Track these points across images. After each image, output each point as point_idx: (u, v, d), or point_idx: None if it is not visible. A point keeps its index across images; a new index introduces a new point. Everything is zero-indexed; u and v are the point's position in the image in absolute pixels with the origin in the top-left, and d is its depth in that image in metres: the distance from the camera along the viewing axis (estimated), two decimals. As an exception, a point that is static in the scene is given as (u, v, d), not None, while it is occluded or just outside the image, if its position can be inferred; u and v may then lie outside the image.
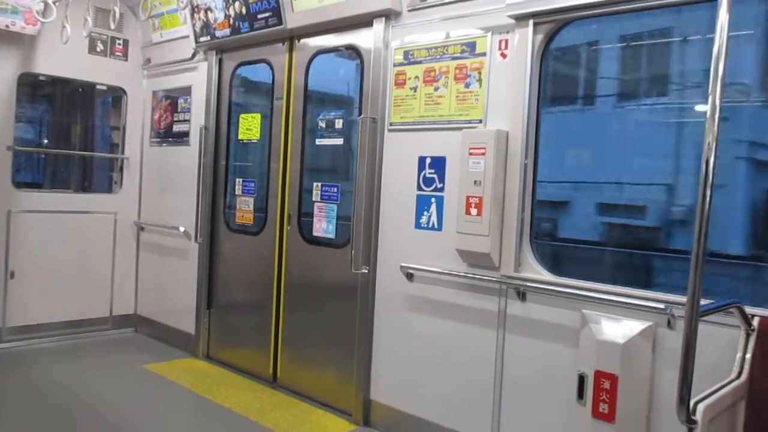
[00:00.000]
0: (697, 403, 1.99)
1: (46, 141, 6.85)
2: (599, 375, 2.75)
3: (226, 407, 4.24)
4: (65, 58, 5.43)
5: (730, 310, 2.44)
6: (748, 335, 2.47)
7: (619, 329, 2.80)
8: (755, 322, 2.48)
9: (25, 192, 5.46)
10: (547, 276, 3.22)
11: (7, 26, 4.98)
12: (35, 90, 6.34)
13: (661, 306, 2.72)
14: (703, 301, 1.94)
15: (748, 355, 2.43)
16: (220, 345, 5.23)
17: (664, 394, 2.74)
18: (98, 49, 5.70)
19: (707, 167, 1.89)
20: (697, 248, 1.88)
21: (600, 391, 2.74)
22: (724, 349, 2.53)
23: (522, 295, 3.27)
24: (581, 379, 2.82)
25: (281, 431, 3.90)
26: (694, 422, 1.95)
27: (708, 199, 1.89)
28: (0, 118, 5.14)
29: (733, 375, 2.40)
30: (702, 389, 2.12)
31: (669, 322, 2.73)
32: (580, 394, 2.82)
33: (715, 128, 1.89)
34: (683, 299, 2.40)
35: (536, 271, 3.25)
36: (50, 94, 6.64)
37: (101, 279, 5.85)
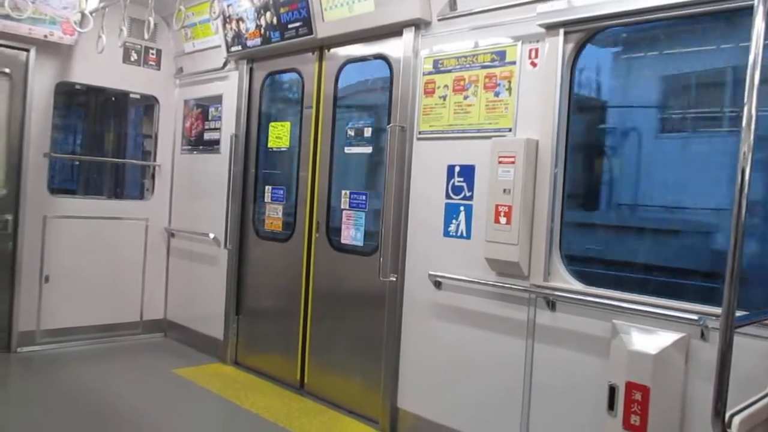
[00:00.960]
0: (732, 416, 1.96)
1: (80, 148, 6.99)
2: (630, 386, 2.72)
3: (254, 413, 4.27)
4: (100, 67, 5.56)
5: (767, 321, 2.40)
6: (784, 348, 2.43)
7: (651, 340, 2.76)
8: (792, 334, 2.43)
9: (60, 198, 5.58)
10: (577, 285, 3.19)
11: (45, 36, 5.12)
12: (71, 98, 6.49)
13: (695, 317, 2.68)
14: (738, 313, 1.92)
15: (785, 368, 2.38)
16: (248, 351, 5.27)
17: (697, 407, 2.69)
18: (132, 59, 5.82)
19: (742, 177, 1.86)
20: (733, 259, 1.86)
21: (631, 402, 2.71)
22: (759, 361, 2.49)
23: (551, 305, 3.25)
24: (612, 390, 2.79)
25: (308, 437, 3.92)
26: (730, 435, 1.92)
27: (743, 209, 1.87)
28: (38, 125, 5.28)
29: (769, 388, 2.36)
30: (737, 402, 2.09)
31: (702, 334, 2.69)
32: (611, 405, 2.79)
33: (751, 138, 1.87)
34: (717, 310, 2.37)
35: (566, 281, 3.23)
36: (85, 103, 6.79)
37: (132, 284, 5.95)
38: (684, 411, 2.74)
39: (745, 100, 1.89)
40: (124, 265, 5.88)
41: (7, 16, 4.73)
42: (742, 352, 2.38)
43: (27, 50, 5.20)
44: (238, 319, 5.35)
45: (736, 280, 1.86)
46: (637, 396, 2.70)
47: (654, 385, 2.68)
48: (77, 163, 6.86)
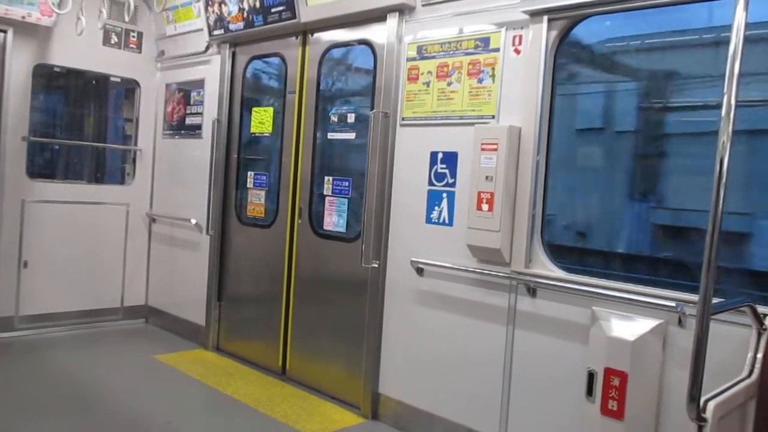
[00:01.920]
0: (707, 401, 1.99)
1: (59, 132, 6.89)
2: (609, 372, 2.75)
3: (236, 398, 4.27)
4: (80, 49, 5.47)
5: (742, 308, 2.43)
6: (759, 334, 2.46)
7: (629, 327, 2.79)
8: (767, 321, 2.47)
9: (39, 182, 5.50)
10: (558, 272, 3.22)
11: (23, 17, 5.02)
12: (50, 81, 6.38)
13: (672, 304, 2.72)
14: (714, 300, 1.94)
15: (760, 355, 2.42)
16: (230, 337, 5.26)
17: (674, 392, 2.73)
18: (112, 41, 5.73)
19: (721, 166, 1.88)
20: (710, 246, 1.88)
21: (609, 388, 2.74)
22: (735, 347, 2.53)
23: (532, 291, 3.27)
24: (591, 376, 2.82)
25: (290, 423, 3.92)
26: (705, 420, 1.95)
27: (722, 198, 1.89)
28: (15, 108, 5.19)
29: (744, 374, 2.39)
30: (712, 388, 2.12)
31: (680, 320, 2.73)
32: (590, 391, 2.82)
33: (730, 128, 1.89)
34: (695, 297, 2.39)
35: (547, 268, 3.25)
36: (64, 86, 6.68)
37: (113, 270, 5.90)
38: (661, 396, 2.78)
39: (725, 90, 1.90)
40: (104, 251, 5.82)
41: (-17, -4, 4.64)
42: (718, 339, 2.42)
43: (4, 31, 5.09)
44: (220, 305, 5.33)
45: (713, 267, 1.88)
46: (615, 382, 2.73)
47: (632, 371, 2.71)
48: (56, 147, 6.76)
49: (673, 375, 2.75)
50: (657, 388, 2.77)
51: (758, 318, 2.44)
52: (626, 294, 2.88)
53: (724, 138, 1.88)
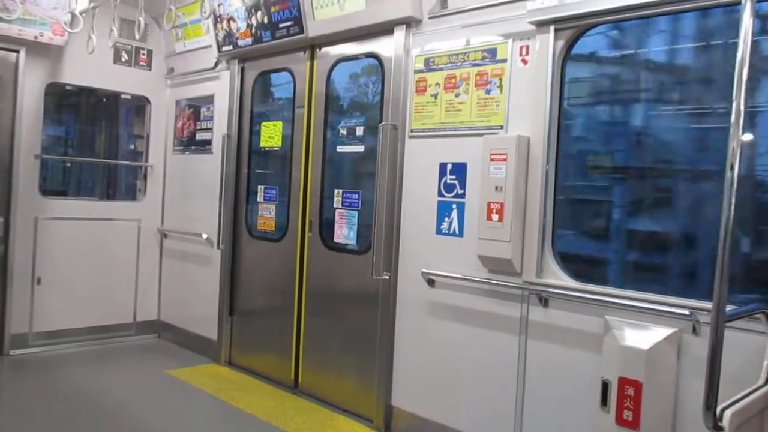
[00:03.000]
0: (724, 409, 1.97)
1: (71, 149, 6.96)
2: (623, 382, 2.73)
3: (249, 413, 4.27)
4: (91, 68, 5.53)
5: (757, 315, 2.42)
6: (775, 342, 2.44)
7: (643, 335, 2.78)
8: (782, 328, 2.45)
9: (52, 199, 5.55)
10: (570, 282, 3.20)
11: (35, 37, 5.09)
12: (61, 99, 6.46)
13: (686, 312, 2.69)
14: (728, 307, 1.93)
15: (776, 362, 2.40)
16: (242, 351, 5.26)
17: (689, 401, 2.71)
18: (123, 59, 5.80)
19: (732, 173, 1.88)
20: (722, 254, 1.87)
21: (624, 397, 2.72)
22: (750, 355, 2.50)
23: (544, 301, 3.26)
24: (605, 386, 2.80)
25: (303, 437, 3.91)
26: (721, 429, 1.93)
27: (733, 204, 1.88)
28: (28, 127, 5.25)
29: (761, 381, 2.37)
30: (728, 396, 2.10)
31: (694, 329, 2.71)
32: (604, 401, 2.80)
33: (740, 133, 1.89)
34: (708, 305, 2.38)
35: (558, 277, 3.24)
36: (76, 104, 6.76)
37: (125, 285, 5.93)
38: (676, 405, 2.75)
39: (734, 96, 1.90)
40: (116, 267, 5.86)
41: (-4, 17, 4.71)
42: (733, 347, 2.40)
43: (17, 51, 5.17)
44: (232, 320, 5.34)
45: (726, 274, 1.87)
46: (630, 391, 2.71)
47: (646, 381, 2.69)
48: (69, 164, 6.83)
49: (688, 384, 2.72)
50: (672, 397, 2.75)
51: (773, 325, 2.42)
52: (639, 303, 2.86)
53: (734, 144, 1.88)
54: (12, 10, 4.59)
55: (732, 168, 1.88)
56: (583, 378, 3.05)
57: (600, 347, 2.92)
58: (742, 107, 1.89)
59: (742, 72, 1.89)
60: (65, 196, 6.36)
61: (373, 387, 4.12)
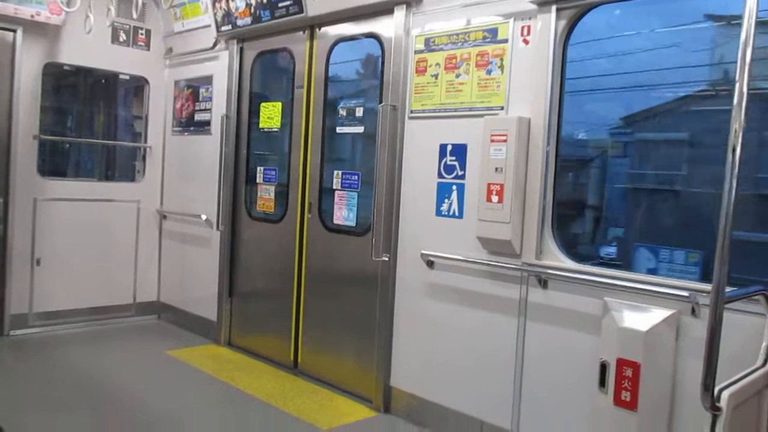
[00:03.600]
0: (721, 390, 1.98)
1: (70, 130, 6.93)
2: (621, 363, 2.74)
3: (248, 393, 4.29)
4: (89, 47, 5.49)
5: (756, 297, 2.42)
6: (774, 323, 2.44)
7: (641, 317, 2.78)
8: (781, 310, 2.45)
9: (51, 180, 5.53)
10: (569, 263, 3.20)
11: (32, 16, 5.05)
12: (59, 80, 6.41)
13: (685, 294, 2.69)
14: (727, 289, 1.93)
15: (774, 344, 2.41)
16: (241, 332, 5.28)
17: (687, 383, 2.72)
18: (121, 39, 5.75)
19: (733, 155, 1.86)
20: (723, 236, 1.86)
21: (622, 379, 2.73)
22: (749, 337, 2.51)
23: (543, 283, 3.26)
24: (603, 367, 2.81)
25: (303, 417, 3.93)
26: (719, 409, 1.94)
27: (734, 187, 1.87)
28: (26, 107, 5.22)
29: (759, 363, 2.38)
30: (726, 377, 2.11)
31: (693, 310, 2.71)
32: (602, 382, 2.81)
33: (742, 115, 1.87)
34: (708, 287, 2.38)
35: (558, 259, 3.24)
36: (74, 84, 6.71)
37: (124, 266, 5.93)
38: (674, 387, 2.76)
39: (737, 77, 1.88)
40: (116, 248, 5.85)
41: (-8, -4, 4.66)
42: (732, 328, 2.40)
43: (14, 30, 5.12)
44: (231, 301, 5.35)
45: (726, 256, 1.87)
46: (628, 372, 2.72)
47: (645, 362, 2.70)
48: (68, 145, 6.80)
49: (686, 365, 2.73)
50: (670, 378, 2.76)
51: (772, 307, 2.42)
52: (638, 284, 2.86)
53: (736, 126, 1.87)
54: (8, -11, 4.54)
55: (734, 150, 1.86)
56: (582, 359, 3.05)
57: (599, 329, 2.93)
58: (745, 89, 1.87)
59: (745, 53, 1.87)
60: (64, 177, 6.34)
61: (372, 368, 4.13)
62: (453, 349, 3.68)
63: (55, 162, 6.69)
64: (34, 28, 5.16)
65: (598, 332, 2.93)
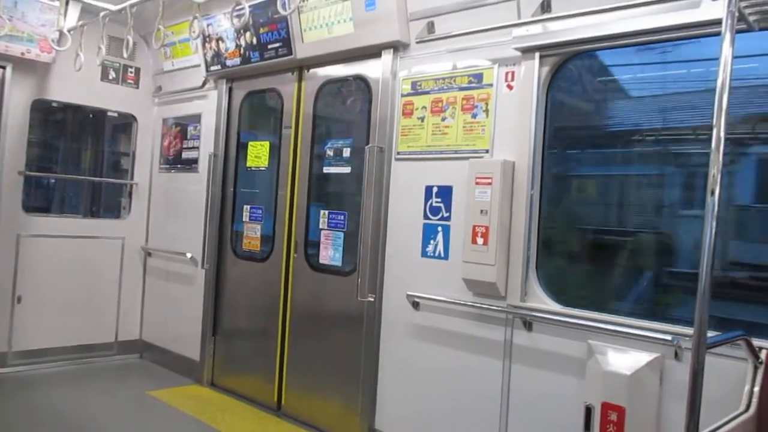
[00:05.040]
0: (705, 436, 1.97)
1: (56, 166, 6.91)
2: (606, 407, 2.73)
3: (230, 435, 4.22)
4: (78, 85, 5.52)
5: (738, 342, 2.43)
6: (755, 368, 2.46)
7: (626, 360, 2.78)
8: (763, 354, 2.46)
9: (35, 216, 5.50)
10: (554, 306, 3.21)
11: (22, 54, 5.08)
12: (47, 116, 6.42)
13: (668, 337, 2.71)
14: (709, 333, 1.94)
15: (756, 388, 2.42)
16: (224, 372, 5.21)
17: (672, 427, 2.71)
18: (110, 77, 5.79)
19: (713, 198, 1.90)
20: (703, 279, 1.88)
21: (607, 423, 2.72)
22: (732, 381, 2.52)
23: (528, 325, 3.26)
24: (588, 411, 2.80)
25: (285, 460, 3.87)
26: (703, 456, 1.93)
27: (713, 230, 1.90)
28: (13, 143, 5.21)
29: (742, 408, 2.38)
30: (710, 422, 2.11)
31: (676, 354, 2.72)
32: (587, 426, 2.80)
33: (720, 160, 1.91)
34: (690, 331, 2.39)
35: (542, 301, 3.25)
36: (62, 120, 6.71)
37: (108, 304, 5.86)
38: (659, 431, 2.75)
39: (713, 122, 1.93)
40: (99, 285, 5.80)
41: (-17, 34, 4.69)
42: (715, 373, 2.41)
43: (3, 67, 5.15)
44: (215, 340, 5.29)
45: (707, 300, 1.89)
46: (613, 416, 2.71)
47: (629, 406, 2.69)
48: (53, 180, 6.77)
49: (671, 409, 2.73)
50: (655, 422, 2.75)
51: (753, 351, 2.44)
52: (622, 327, 2.87)
53: (714, 170, 1.91)
54: (0, 27, 4.57)
55: (713, 193, 1.90)
56: (567, 402, 3.04)
57: (583, 371, 2.92)
58: (722, 134, 1.92)
59: (722, 98, 1.93)
60: (48, 213, 6.29)
61: (356, 410, 4.08)
62: (438, 392, 3.66)
63: (39, 198, 6.65)
64: (24, 65, 5.20)
65: (583, 375, 2.93)
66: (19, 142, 5.26)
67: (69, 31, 4.62)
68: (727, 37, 1.96)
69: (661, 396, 2.75)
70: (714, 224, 1.90)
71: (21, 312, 5.32)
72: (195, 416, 4.55)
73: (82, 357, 5.69)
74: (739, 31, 2.13)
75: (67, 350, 5.62)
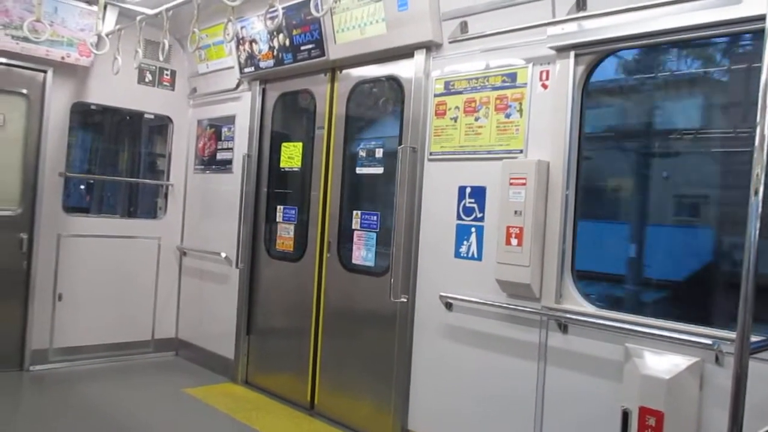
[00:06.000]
0: (748, 443, 1.92)
1: (95, 167, 7.06)
2: (644, 411, 2.69)
3: (264, 433, 4.26)
4: (116, 88, 5.63)
5: (782, 347, 2.36)
6: (801, 374, 2.39)
7: (664, 364, 2.73)
8: (808, 360, 2.39)
9: (74, 217, 5.63)
10: (589, 308, 3.17)
11: (62, 58, 5.20)
12: (86, 118, 6.57)
13: (709, 342, 2.65)
14: (753, 338, 1.89)
15: (802, 395, 2.35)
16: (258, 370, 5.26)
17: (712, 433, 2.65)
18: (147, 80, 5.89)
19: (756, 198, 1.85)
20: (746, 282, 1.84)
21: (645, 428, 2.67)
22: (775, 387, 2.45)
23: (563, 327, 3.22)
24: (625, 415, 2.76)
25: (318, 459, 3.89)
26: (746, 464, 1.88)
27: (756, 231, 1.85)
28: (54, 145, 5.35)
29: (786, 415, 2.32)
30: (753, 429, 2.06)
31: (717, 358, 2.66)
32: (624, 430, 2.75)
33: (764, 158, 1.86)
34: (732, 335, 2.34)
35: (578, 303, 3.21)
36: (100, 122, 6.86)
37: (144, 303, 5.97)
38: (699, 437, 2.69)
39: (758, 120, 1.88)
40: (136, 284, 5.91)
41: (25, 39, 4.82)
42: (758, 378, 2.35)
43: (44, 71, 5.28)
44: (249, 339, 5.34)
45: (750, 303, 1.84)
46: (651, 421, 2.66)
47: (668, 411, 2.64)
48: (92, 182, 6.92)
49: (711, 415, 2.67)
50: (695, 428, 2.69)
51: (799, 356, 2.37)
52: (660, 331, 2.82)
53: (758, 170, 1.86)
54: (41, 32, 4.69)
55: (756, 193, 1.85)
56: (603, 406, 3.00)
57: (620, 375, 2.88)
58: (766, 132, 1.87)
59: (766, 95, 1.87)
60: (87, 214, 6.43)
61: (389, 410, 4.09)
62: (472, 393, 3.64)
63: (79, 198, 6.81)
64: (64, 69, 5.32)
65: (620, 378, 2.88)
66: (59, 145, 5.39)
67: (107, 35, 4.71)
68: (771, 33, 1.91)
69: (701, 401, 2.69)
70: (757, 225, 1.86)
71: (61, 310, 5.46)
72: (230, 414, 4.60)
73: (120, 354, 5.81)
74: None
75: (105, 348, 5.74)
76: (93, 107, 5.95)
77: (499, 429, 3.49)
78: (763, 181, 1.85)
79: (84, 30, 5.19)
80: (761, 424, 2.15)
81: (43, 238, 5.33)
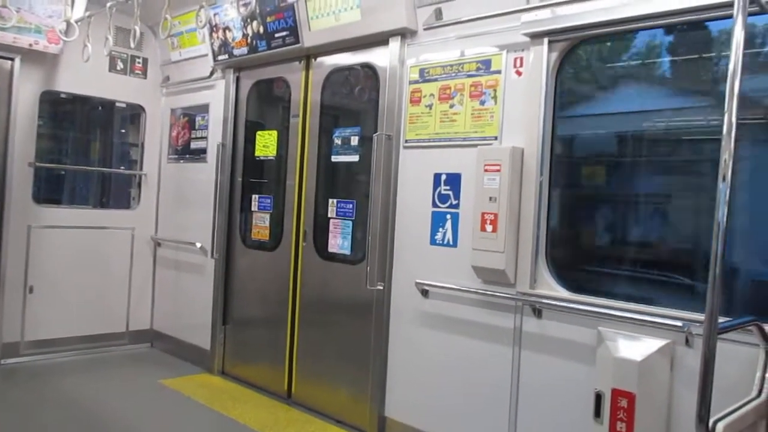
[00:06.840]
0: (716, 422, 1.97)
1: (66, 157, 6.93)
2: (616, 393, 2.73)
3: (241, 423, 4.24)
4: (86, 76, 5.53)
5: (749, 327, 2.42)
6: (767, 353, 2.45)
7: (636, 347, 2.78)
8: (775, 340, 2.45)
9: (45, 207, 5.53)
10: (563, 293, 3.21)
11: (30, 45, 5.09)
12: (56, 107, 6.44)
13: (679, 324, 2.70)
14: (721, 319, 1.93)
15: (768, 374, 2.40)
16: (235, 360, 5.24)
17: (682, 413, 2.71)
18: (118, 68, 5.80)
19: (724, 184, 1.89)
20: (714, 265, 1.88)
21: (617, 409, 2.72)
22: (743, 367, 2.51)
23: (538, 312, 3.26)
24: (598, 397, 2.80)
25: (296, 448, 3.89)
26: (714, 441, 1.93)
27: (725, 216, 1.89)
28: (22, 135, 5.24)
29: (753, 394, 2.38)
30: (721, 408, 2.11)
31: (687, 340, 2.71)
32: (597, 413, 2.80)
33: (732, 145, 1.90)
34: (701, 317, 2.39)
35: (552, 288, 3.24)
36: (71, 111, 6.73)
37: (118, 294, 5.91)
38: (670, 417, 2.75)
39: (725, 108, 1.92)
40: (110, 275, 5.83)
41: (-9, 25, 4.71)
42: (726, 359, 2.40)
43: (11, 59, 5.16)
44: (225, 329, 5.32)
45: (718, 286, 1.88)
46: (623, 403, 2.70)
47: (640, 392, 2.69)
48: (63, 172, 6.80)
49: (681, 395, 2.72)
50: (666, 409, 2.75)
51: (765, 337, 2.43)
52: (632, 314, 2.86)
53: (726, 156, 1.90)
54: (7, 18, 4.58)
55: (724, 179, 1.89)
56: (577, 389, 3.04)
57: (593, 358, 2.92)
58: (734, 119, 1.91)
59: (733, 84, 1.91)
60: (59, 204, 6.32)
61: (366, 398, 4.10)
62: (448, 379, 3.66)
63: (50, 189, 6.68)
64: (32, 56, 5.21)
65: (593, 362, 2.92)
66: (28, 134, 5.29)
67: (76, 21, 4.61)
68: (739, 19, 1.94)
69: (672, 382, 2.75)
70: (725, 210, 1.89)
71: (33, 302, 5.37)
72: (207, 404, 4.58)
73: (94, 347, 5.74)
74: (751, 14, 2.11)
75: (79, 340, 5.67)
76: (63, 96, 5.83)
77: (475, 413, 3.52)
78: (730, 167, 1.89)
79: (52, 16, 5.08)
80: (730, 403, 2.20)
81: (13, 229, 5.23)
